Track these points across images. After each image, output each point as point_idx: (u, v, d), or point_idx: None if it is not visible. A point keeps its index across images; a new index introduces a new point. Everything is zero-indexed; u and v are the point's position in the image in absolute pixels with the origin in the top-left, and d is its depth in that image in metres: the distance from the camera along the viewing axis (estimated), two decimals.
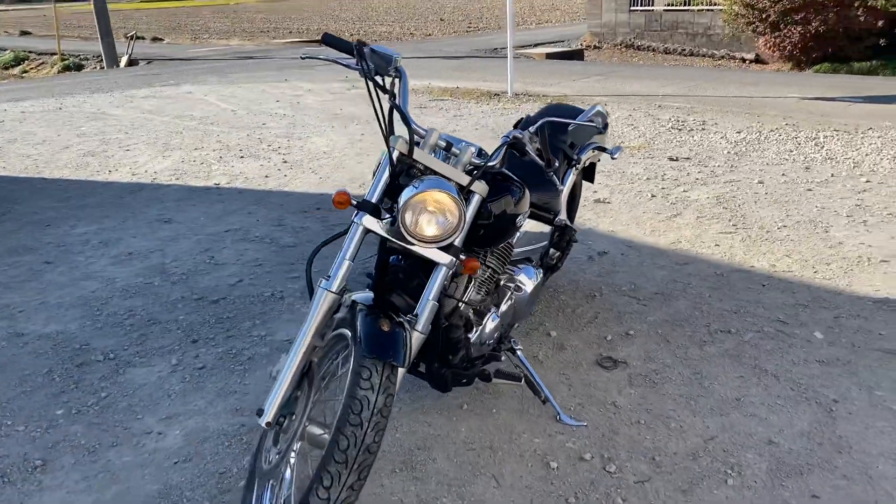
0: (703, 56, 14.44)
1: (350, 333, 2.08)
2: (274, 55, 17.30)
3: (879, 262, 3.90)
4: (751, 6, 12.57)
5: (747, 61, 13.82)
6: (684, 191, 5.28)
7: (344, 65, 2.37)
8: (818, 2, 11.69)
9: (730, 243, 4.28)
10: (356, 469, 1.84)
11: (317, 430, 2.05)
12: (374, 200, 2.19)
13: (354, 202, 2.17)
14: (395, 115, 2.20)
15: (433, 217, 2.11)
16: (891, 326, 3.24)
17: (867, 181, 5.30)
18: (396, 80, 2.31)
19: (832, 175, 5.50)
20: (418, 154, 2.20)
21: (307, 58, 2.43)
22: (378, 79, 2.27)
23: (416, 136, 2.21)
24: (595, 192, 5.29)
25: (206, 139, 7.83)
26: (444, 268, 2.24)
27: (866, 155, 6.03)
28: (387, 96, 2.25)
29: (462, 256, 2.24)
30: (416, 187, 2.10)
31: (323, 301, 2.11)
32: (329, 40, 2.38)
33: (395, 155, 2.19)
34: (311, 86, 11.68)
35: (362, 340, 1.97)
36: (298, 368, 2.11)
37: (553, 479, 2.40)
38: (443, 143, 2.31)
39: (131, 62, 17.57)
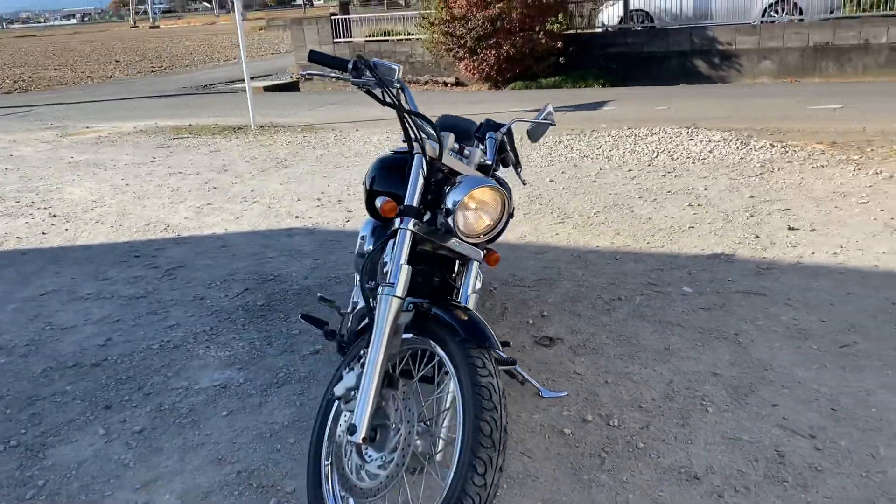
0: (410, 82, 15.45)
1: (425, 333, 2.11)
2: None
3: (689, 228, 4.72)
4: (449, 34, 13.79)
5: (450, 84, 15.10)
6: None
7: (343, 79, 2.36)
8: (506, 28, 13.23)
9: (566, 231, 4.83)
10: (502, 450, 1.90)
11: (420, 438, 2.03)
12: (415, 205, 2.23)
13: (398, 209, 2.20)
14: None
15: (484, 211, 2.23)
16: (732, 274, 3.97)
17: (629, 170, 6.28)
18: (401, 91, 2.37)
19: (600, 168, 6.42)
20: (446, 158, 2.29)
21: (308, 74, 2.37)
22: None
23: (434, 141, 2.30)
24: None
25: None
26: (476, 262, 2.36)
27: (610, 150, 7.11)
28: (392, 105, 2.31)
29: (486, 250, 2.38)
30: (465, 187, 2.19)
31: (390, 307, 2.10)
32: (316, 58, 2.36)
33: (425, 160, 2.26)
34: (13, 137, 10.36)
35: (461, 331, 2.03)
36: (379, 379, 2.07)
37: (576, 443, 2.62)
38: (456, 146, 2.43)
39: None
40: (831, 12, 13.24)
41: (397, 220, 2.21)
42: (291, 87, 15.14)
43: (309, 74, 2.34)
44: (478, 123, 3.60)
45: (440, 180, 2.31)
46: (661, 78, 13.39)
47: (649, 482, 2.40)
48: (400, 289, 2.13)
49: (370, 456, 2.07)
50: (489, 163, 2.51)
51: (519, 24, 13.12)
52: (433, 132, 2.33)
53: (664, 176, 6.02)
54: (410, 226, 2.19)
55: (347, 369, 2.18)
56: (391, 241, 2.61)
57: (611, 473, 2.45)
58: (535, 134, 2.88)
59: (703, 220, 4.85)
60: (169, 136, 9.60)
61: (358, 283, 2.81)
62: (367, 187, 2.56)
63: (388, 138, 8.55)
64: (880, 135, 7.17)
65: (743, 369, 3.04)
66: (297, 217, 5.57)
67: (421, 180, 2.25)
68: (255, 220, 5.55)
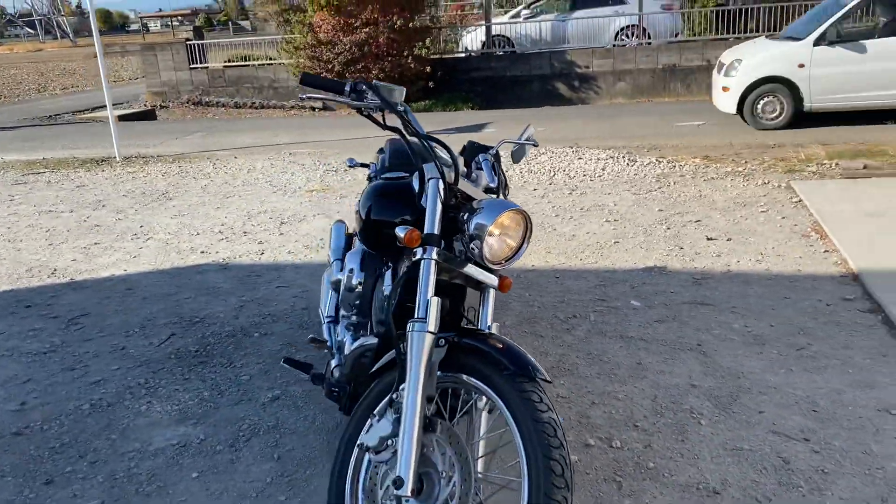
0: (275, 107, 15.02)
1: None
2: None
3: (614, 243, 4.81)
4: (316, 58, 13.54)
5: (317, 109, 14.82)
6: None
7: (341, 101, 2.18)
8: (374, 53, 13.18)
9: None
10: (572, 489, 1.78)
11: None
12: (436, 233, 2.08)
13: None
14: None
15: (508, 236, 2.12)
16: (672, 285, 4.08)
17: (534, 189, 6.37)
18: (404, 113, 2.23)
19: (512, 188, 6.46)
20: (462, 183, 2.17)
21: (306, 97, 2.17)
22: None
23: (444, 165, 2.18)
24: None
25: None
26: (493, 289, 2.24)
27: (507, 170, 7.19)
28: (396, 130, 2.18)
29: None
30: (490, 212, 2.07)
31: (424, 344, 1.94)
32: (309, 81, 2.18)
33: (443, 186, 2.12)
34: None
35: (507, 363, 1.90)
36: (420, 424, 1.90)
37: (586, 470, 2.54)
38: (464, 170, 2.31)
39: None
40: (675, 36, 14.24)
41: (419, 251, 2.05)
42: (148, 115, 14.25)
43: (308, 97, 2.15)
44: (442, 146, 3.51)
45: (452, 206, 2.18)
46: (526, 101, 13.81)
47: (673, 502, 2.37)
48: (432, 324, 1.97)
49: None
50: (493, 185, 2.41)
51: (387, 48, 13.11)
52: (446, 156, 2.20)
53: (570, 194, 6.14)
54: (434, 255, 2.04)
55: (377, 417, 2.00)
56: (386, 273, 2.45)
57: (633, 497, 2.40)
58: (518, 155, 2.81)
59: (624, 234, 4.98)
60: (21, 172, 8.71)
61: (348, 321, 2.62)
62: (364, 216, 2.39)
63: (272, 165, 8.22)
64: (746, 148, 7.73)
65: (717, 379, 3.09)
66: (202, 252, 5.18)
67: (440, 206, 2.11)
68: (156, 258, 5.10)
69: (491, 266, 2.13)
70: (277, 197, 6.68)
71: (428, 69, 13.49)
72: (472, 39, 15.14)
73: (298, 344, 3.58)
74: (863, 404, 2.85)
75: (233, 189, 7.18)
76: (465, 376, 2.00)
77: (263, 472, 2.61)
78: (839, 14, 8.43)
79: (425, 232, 2.07)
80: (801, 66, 8.52)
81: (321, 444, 2.76)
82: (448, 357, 2.02)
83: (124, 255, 5.20)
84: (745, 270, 4.23)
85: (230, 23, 60.52)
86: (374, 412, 2.02)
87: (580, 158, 7.51)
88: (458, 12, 17.49)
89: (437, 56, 14.24)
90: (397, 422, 1.92)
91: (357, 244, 2.75)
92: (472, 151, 2.61)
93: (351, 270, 2.59)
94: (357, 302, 2.56)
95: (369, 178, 3.05)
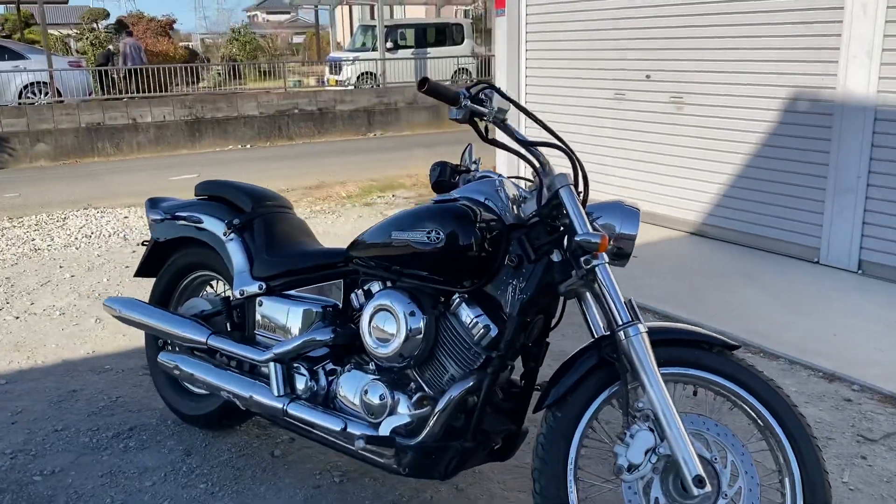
0: None
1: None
2: None
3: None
4: None
5: None
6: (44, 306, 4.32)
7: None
8: None
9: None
10: None
11: None
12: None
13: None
14: None
15: None
16: None
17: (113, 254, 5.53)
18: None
19: (99, 254, 5.42)
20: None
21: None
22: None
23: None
24: None
25: None
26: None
27: (64, 234, 6.02)
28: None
29: None
30: (626, 214, 2.09)
31: (645, 343, 1.90)
32: (433, 88, 1.93)
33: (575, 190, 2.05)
34: None
35: (706, 341, 2.01)
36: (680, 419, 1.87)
37: None
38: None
39: None
40: (90, 94, 13.48)
41: (590, 258, 1.96)
42: None
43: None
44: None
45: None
46: None
47: None
48: (642, 323, 1.93)
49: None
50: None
51: None
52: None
53: None
54: (607, 259, 1.98)
55: (619, 443, 1.91)
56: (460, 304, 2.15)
57: None
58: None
59: None
60: None
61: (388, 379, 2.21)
62: (446, 244, 2.07)
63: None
64: None
65: None
66: None
67: (582, 209, 2.02)
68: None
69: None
70: None
71: None
72: None
73: None
74: None
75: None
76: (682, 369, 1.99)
77: None
78: None
79: (580, 237, 1.97)
80: None
81: None
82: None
83: None
84: None
85: None
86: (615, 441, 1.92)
87: (116, 218, 6.76)
88: None
89: None
90: (649, 429, 1.85)
91: (377, 287, 2.33)
92: (447, 172, 2.44)
93: (412, 314, 2.15)
94: (417, 351, 2.16)
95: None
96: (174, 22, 26.04)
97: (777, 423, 1.94)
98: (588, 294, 2.07)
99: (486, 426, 2.18)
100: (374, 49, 17.84)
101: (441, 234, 2.09)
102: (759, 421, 1.97)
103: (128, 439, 2.96)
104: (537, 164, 2.10)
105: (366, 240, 2.34)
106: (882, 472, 2.68)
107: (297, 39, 38.46)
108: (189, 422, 3.03)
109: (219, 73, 19.55)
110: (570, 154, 2.07)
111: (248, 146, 13.74)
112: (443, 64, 17.96)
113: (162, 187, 8.76)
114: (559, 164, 2.07)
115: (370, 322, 2.24)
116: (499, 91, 2.08)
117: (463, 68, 18.29)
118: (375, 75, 17.32)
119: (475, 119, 2.10)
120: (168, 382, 3.08)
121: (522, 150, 2.08)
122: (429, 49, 18.29)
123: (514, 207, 2.19)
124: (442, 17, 22.08)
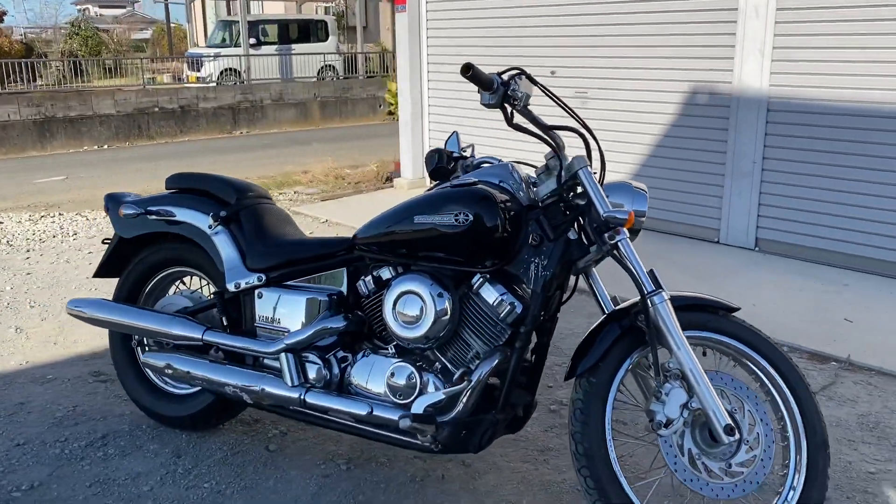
0: None
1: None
2: None
3: None
4: None
5: None
6: None
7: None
8: None
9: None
10: None
11: None
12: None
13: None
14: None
15: None
16: None
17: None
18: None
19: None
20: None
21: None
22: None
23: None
24: None
25: None
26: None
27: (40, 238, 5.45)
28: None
29: None
30: (633, 194, 2.23)
31: (669, 309, 2.06)
32: (476, 75, 2.00)
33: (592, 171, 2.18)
34: None
35: (713, 304, 2.19)
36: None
37: None
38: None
39: None
40: None
41: (613, 233, 2.10)
42: None
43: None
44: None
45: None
46: None
47: None
48: (666, 291, 2.09)
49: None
50: None
51: None
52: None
53: None
54: (628, 235, 2.12)
55: (655, 401, 2.07)
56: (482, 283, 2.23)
57: None
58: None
59: None
60: None
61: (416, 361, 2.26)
62: (473, 224, 2.13)
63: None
64: None
65: None
66: None
67: (600, 188, 2.15)
68: None
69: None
70: None
71: None
72: None
73: None
74: None
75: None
76: (695, 332, 2.15)
77: None
78: None
79: (605, 214, 2.10)
80: None
81: None
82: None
83: None
84: None
85: None
86: (649, 399, 2.07)
87: (46, 221, 6.24)
88: None
89: None
90: (681, 386, 2.03)
91: (388, 274, 2.33)
92: (444, 160, 2.51)
93: (440, 295, 2.19)
94: (443, 332, 2.21)
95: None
96: (5, 13, 23.96)
97: (780, 375, 2.17)
98: (594, 271, 2.24)
99: (513, 398, 2.28)
100: (235, 45, 17.32)
101: (469, 215, 2.16)
102: (762, 375, 2.19)
103: (104, 447, 2.79)
104: (556, 147, 2.22)
105: (379, 226, 2.36)
106: (828, 418, 3.02)
107: (141, 35, 36.48)
108: (172, 424, 2.89)
109: (58, 69, 18.29)
110: (589, 137, 2.22)
111: (105, 146, 12.99)
112: (308, 60, 17.73)
113: (29, 191, 8.13)
114: (571, 145, 2.22)
115: (394, 307, 2.27)
116: (529, 77, 2.18)
117: (329, 65, 18.13)
118: (239, 72, 16.83)
119: (504, 105, 2.18)
120: (141, 385, 2.93)
121: (542, 134, 2.19)
122: (293, 45, 17.97)
123: (528, 189, 2.31)
124: (305, 14, 21.74)
